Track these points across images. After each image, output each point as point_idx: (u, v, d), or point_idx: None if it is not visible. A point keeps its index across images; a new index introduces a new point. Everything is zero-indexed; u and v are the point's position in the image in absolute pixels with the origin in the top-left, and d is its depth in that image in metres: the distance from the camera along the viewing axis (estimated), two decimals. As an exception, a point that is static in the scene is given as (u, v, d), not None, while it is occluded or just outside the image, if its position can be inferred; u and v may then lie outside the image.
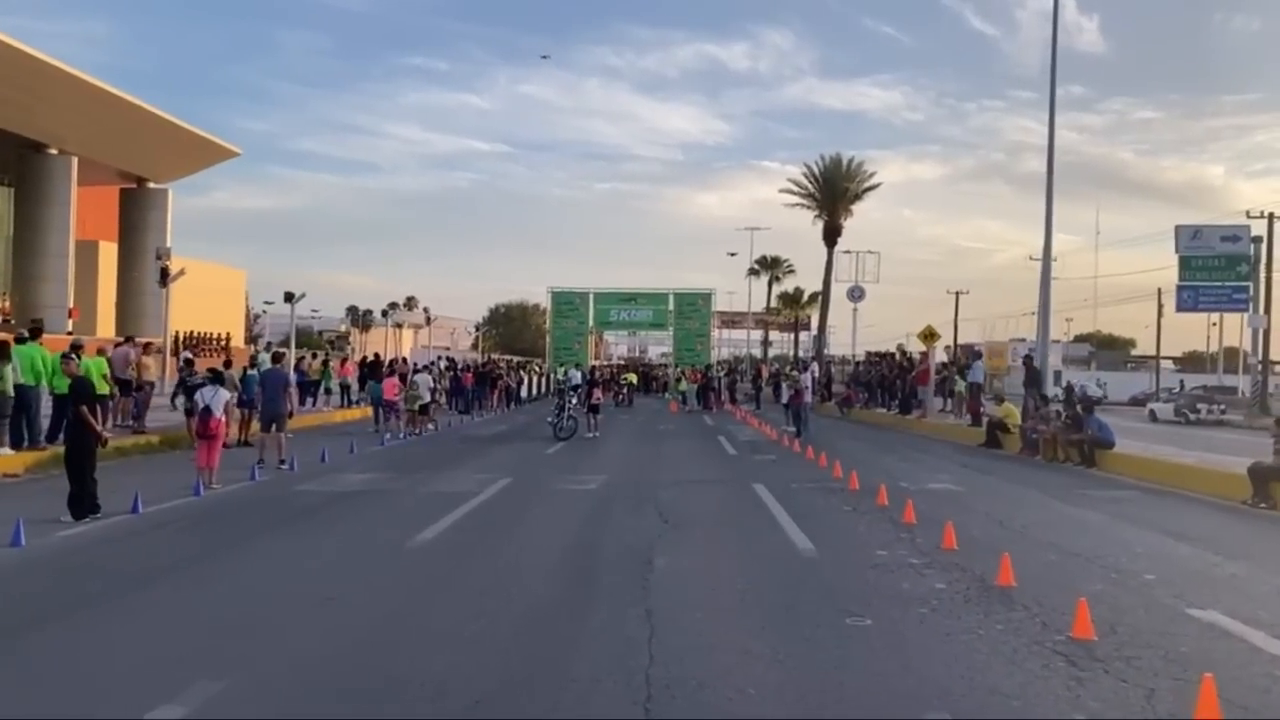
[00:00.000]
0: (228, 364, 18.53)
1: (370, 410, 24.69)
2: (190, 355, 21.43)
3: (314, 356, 29.20)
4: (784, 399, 26.79)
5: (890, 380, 30.34)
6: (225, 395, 13.34)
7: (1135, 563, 8.77)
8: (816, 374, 36.11)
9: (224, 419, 13.16)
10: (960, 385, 25.99)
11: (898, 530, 10.32)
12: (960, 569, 8.28)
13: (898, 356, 31.71)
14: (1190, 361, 79.11)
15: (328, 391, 27.96)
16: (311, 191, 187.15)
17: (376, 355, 28.93)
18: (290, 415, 16.16)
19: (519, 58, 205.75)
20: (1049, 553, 9.21)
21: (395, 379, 23.28)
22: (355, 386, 29.30)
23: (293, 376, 16.17)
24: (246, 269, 76.63)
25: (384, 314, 70.77)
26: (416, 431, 22.87)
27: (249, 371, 17.87)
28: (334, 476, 14.53)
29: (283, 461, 15.33)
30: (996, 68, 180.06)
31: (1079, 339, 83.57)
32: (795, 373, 27.19)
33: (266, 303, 74.57)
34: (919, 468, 17.23)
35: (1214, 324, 70.66)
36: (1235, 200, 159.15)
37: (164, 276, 33.53)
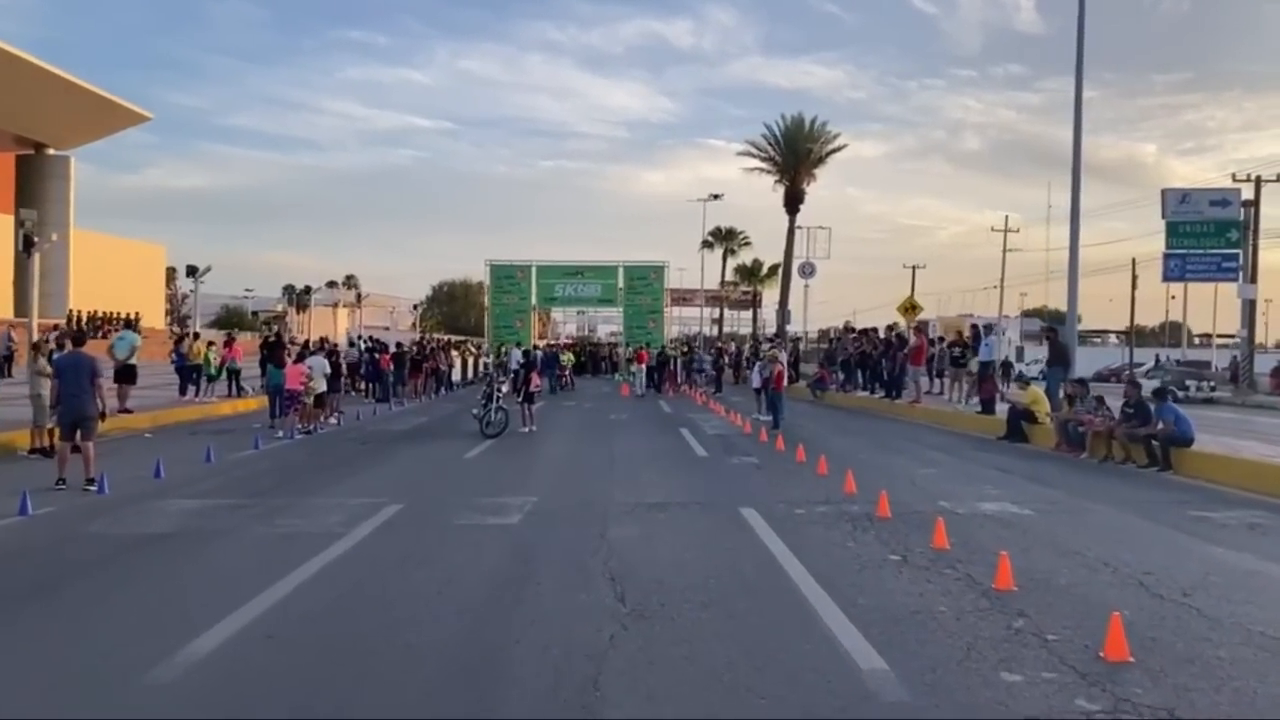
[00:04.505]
0: (35, 347, 13.98)
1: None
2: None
3: (195, 338, 24.52)
4: (756, 383, 22.78)
5: (874, 360, 26.40)
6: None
7: None
8: (787, 352, 32.27)
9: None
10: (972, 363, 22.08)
11: (1000, 609, 6.32)
12: (1187, 729, 4.32)
13: (883, 333, 27.74)
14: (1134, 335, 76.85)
15: (210, 379, 23.37)
16: (249, 169, 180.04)
17: (278, 335, 24.36)
18: (103, 417, 11.77)
19: (460, 32, 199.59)
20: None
21: (302, 365, 18.75)
22: (257, 371, 25.00)
23: (100, 364, 11.68)
24: (184, 248, 71.61)
25: (306, 291, 65.43)
26: (310, 428, 18.51)
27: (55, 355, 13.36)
28: (152, 505, 10.25)
29: (91, 481, 11.05)
30: (936, 46, 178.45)
31: (1027, 314, 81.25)
32: (774, 350, 23.09)
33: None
34: (949, 475, 13.27)
35: (1173, 297, 68.19)
36: (1167, 178, 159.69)
37: (28, 245, 28.74)
